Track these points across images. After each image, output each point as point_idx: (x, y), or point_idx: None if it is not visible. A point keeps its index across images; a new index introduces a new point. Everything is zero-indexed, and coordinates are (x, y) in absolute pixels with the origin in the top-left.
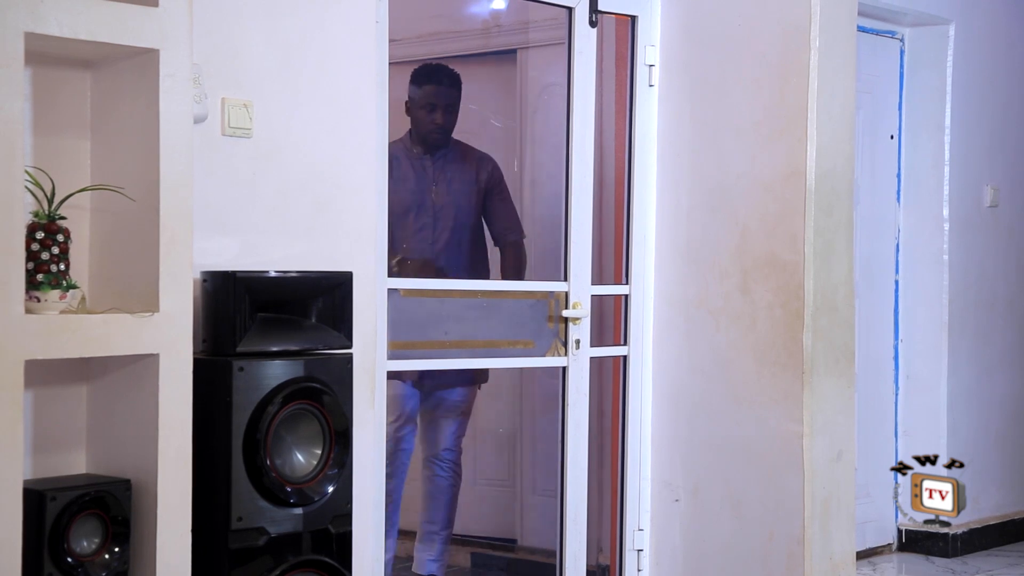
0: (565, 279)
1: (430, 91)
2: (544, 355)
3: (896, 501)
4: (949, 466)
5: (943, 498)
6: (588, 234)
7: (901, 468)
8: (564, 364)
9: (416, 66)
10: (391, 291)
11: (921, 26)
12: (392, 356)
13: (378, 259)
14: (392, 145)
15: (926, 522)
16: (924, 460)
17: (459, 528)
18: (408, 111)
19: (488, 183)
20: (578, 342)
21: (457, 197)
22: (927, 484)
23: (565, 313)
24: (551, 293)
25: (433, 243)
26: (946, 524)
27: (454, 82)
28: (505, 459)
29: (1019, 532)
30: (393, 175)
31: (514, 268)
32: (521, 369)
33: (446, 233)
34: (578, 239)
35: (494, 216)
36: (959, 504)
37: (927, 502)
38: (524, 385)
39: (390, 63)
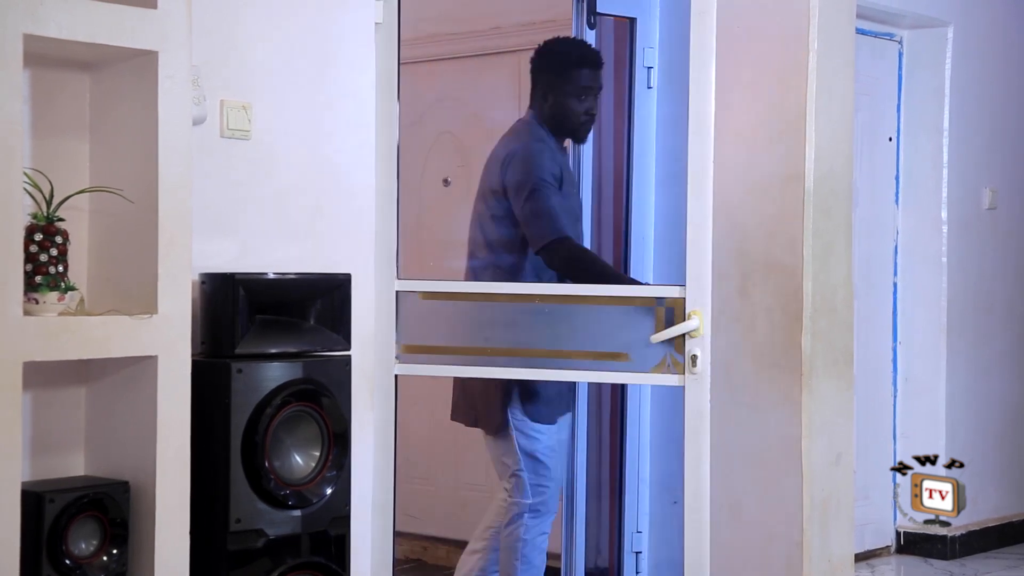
0: (683, 282)
1: (584, 76)
2: (649, 371)
3: (896, 501)
4: (949, 466)
5: (943, 498)
6: (707, 232)
7: (901, 468)
8: (680, 384)
9: (547, 44)
10: (407, 294)
11: (920, 28)
12: (407, 360)
13: (387, 261)
14: (534, 140)
15: (926, 522)
16: (924, 460)
17: (456, 532)
18: (545, 97)
19: None
20: (695, 358)
21: (580, 200)
22: (927, 484)
23: (677, 330)
24: (660, 299)
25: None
26: (946, 524)
27: (600, 64)
28: None
29: (1017, 534)
30: (564, 175)
31: None
32: None
33: (588, 242)
34: (697, 236)
35: None
36: (959, 504)
37: (927, 502)
38: None
39: None
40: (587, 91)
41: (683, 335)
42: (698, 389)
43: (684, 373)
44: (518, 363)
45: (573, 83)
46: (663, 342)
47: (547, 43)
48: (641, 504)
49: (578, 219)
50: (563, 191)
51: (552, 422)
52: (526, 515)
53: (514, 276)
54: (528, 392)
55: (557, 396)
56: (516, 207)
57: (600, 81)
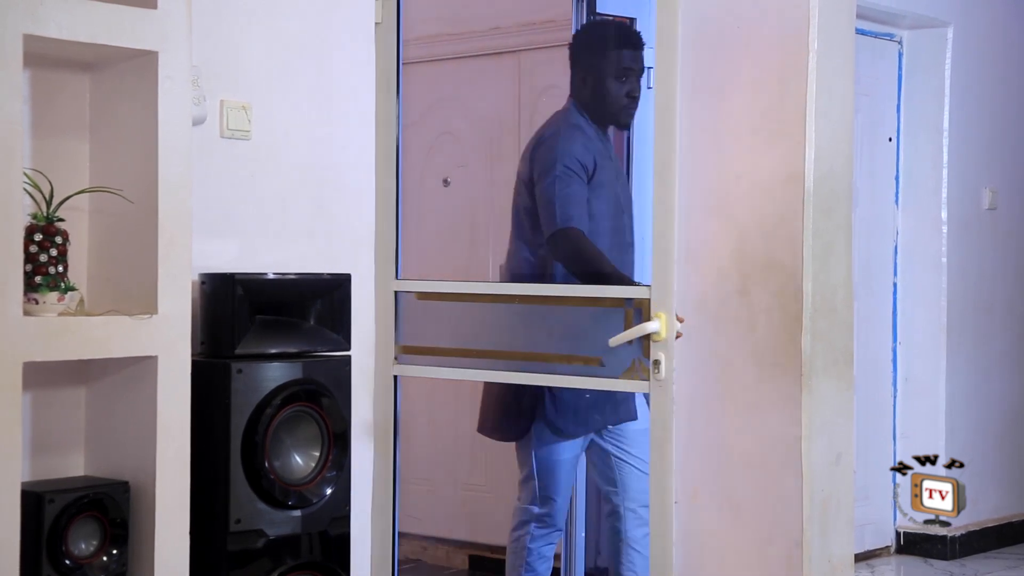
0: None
1: (624, 56)
2: (619, 376)
3: (896, 501)
4: (949, 466)
5: (943, 498)
6: (672, 231)
7: (901, 468)
8: (647, 391)
9: (584, 27)
10: (406, 294)
11: (919, 29)
12: (406, 361)
13: (386, 261)
14: (567, 126)
15: (926, 522)
16: (924, 460)
17: (456, 532)
18: (584, 81)
19: None
20: (657, 363)
21: (629, 190)
22: (927, 484)
23: (633, 332)
24: (629, 300)
25: (630, 248)
26: (946, 524)
27: (642, 45)
28: (503, 462)
29: (1017, 535)
30: (600, 163)
31: None
32: None
33: (635, 237)
34: (661, 235)
35: None
36: (959, 504)
37: (927, 502)
38: None
39: None
40: (627, 72)
41: (648, 338)
42: (662, 396)
43: (650, 379)
44: (498, 366)
45: (612, 64)
46: (632, 346)
47: (584, 26)
48: None
49: (622, 211)
50: (595, 180)
51: (574, 436)
52: (532, 524)
53: (544, 271)
54: (556, 400)
55: (590, 409)
56: (536, 195)
57: (642, 63)
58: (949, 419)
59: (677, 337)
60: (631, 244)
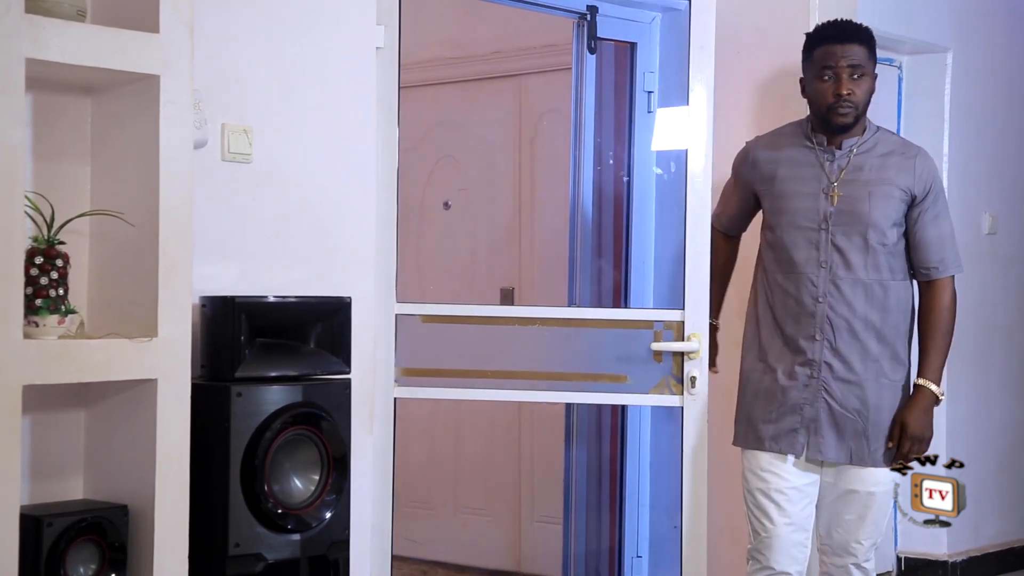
0: (681, 306)
1: (823, 53)
2: (648, 392)
3: (896, 500)
4: (949, 466)
5: (943, 498)
6: (705, 259)
7: (901, 468)
8: (679, 405)
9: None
10: (407, 317)
11: (919, 54)
12: (406, 383)
13: (386, 284)
14: (786, 135)
15: (926, 522)
16: (924, 460)
17: (455, 556)
18: (804, 90)
19: (923, 190)
20: (694, 379)
21: (860, 203)
22: (927, 484)
23: (680, 346)
24: (659, 323)
25: (819, 264)
26: (946, 524)
27: (860, 37)
28: (505, 486)
29: (1019, 561)
30: (781, 174)
31: (950, 311)
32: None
33: (837, 255)
34: (695, 263)
35: (924, 240)
36: (959, 504)
37: (927, 502)
38: (523, 412)
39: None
40: (828, 70)
41: (682, 356)
42: (696, 410)
43: (683, 394)
44: (518, 386)
45: (814, 65)
46: (662, 364)
47: (807, 36)
48: (641, 529)
49: (818, 224)
50: (776, 188)
51: (781, 451)
52: (750, 562)
53: None
54: (759, 409)
55: (801, 423)
56: None
57: (856, 58)
58: (950, 445)
59: None
60: (822, 263)
